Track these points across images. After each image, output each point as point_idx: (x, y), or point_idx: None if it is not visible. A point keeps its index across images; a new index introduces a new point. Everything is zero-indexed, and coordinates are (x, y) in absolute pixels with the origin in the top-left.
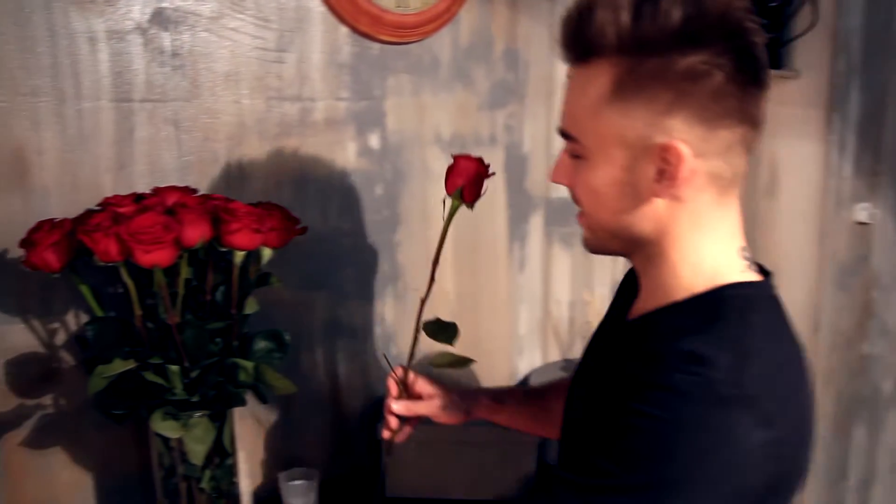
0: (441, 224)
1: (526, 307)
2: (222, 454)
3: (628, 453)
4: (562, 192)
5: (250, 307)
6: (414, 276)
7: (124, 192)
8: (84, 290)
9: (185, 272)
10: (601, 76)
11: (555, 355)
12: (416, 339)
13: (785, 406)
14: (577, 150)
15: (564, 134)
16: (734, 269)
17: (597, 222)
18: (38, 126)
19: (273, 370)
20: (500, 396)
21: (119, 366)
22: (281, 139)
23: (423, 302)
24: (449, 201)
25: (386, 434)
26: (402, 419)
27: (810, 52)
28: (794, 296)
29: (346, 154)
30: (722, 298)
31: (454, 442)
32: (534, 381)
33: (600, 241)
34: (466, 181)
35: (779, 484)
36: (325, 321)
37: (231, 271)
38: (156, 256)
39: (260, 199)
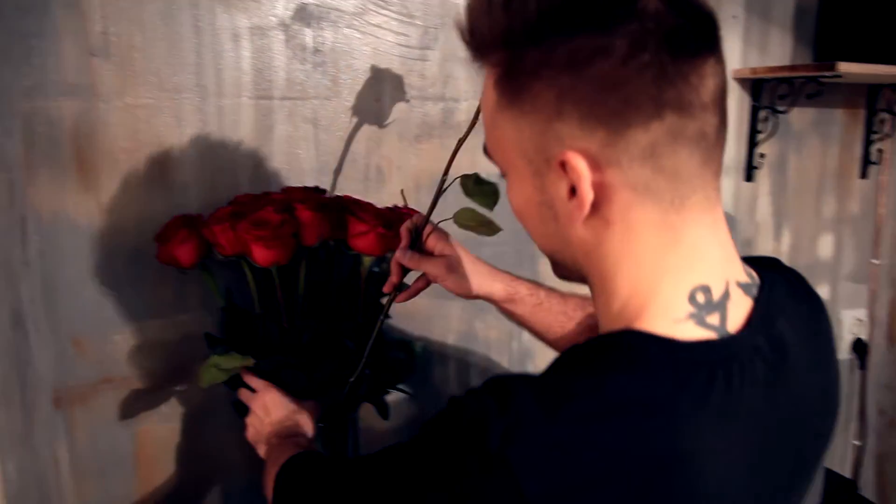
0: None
1: None
2: None
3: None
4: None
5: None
6: (554, 286)
7: (260, 189)
8: (212, 287)
9: (304, 272)
10: (489, 80)
11: None
12: (442, 184)
13: (580, 496)
14: (496, 165)
15: (485, 149)
16: (666, 312)
17: (537, 244)
18: (180, 122)
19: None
20: (517, 287)
21: (235, 360)
22: (422, 141)
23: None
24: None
25: (387, 287)
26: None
27: None
28: None
29: None
30: (608, 345)
31: None
32: None
33: (552, 264)
34: None
35: None
36: (459, 333)
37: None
38: (272, 254)
39: (397, 203)
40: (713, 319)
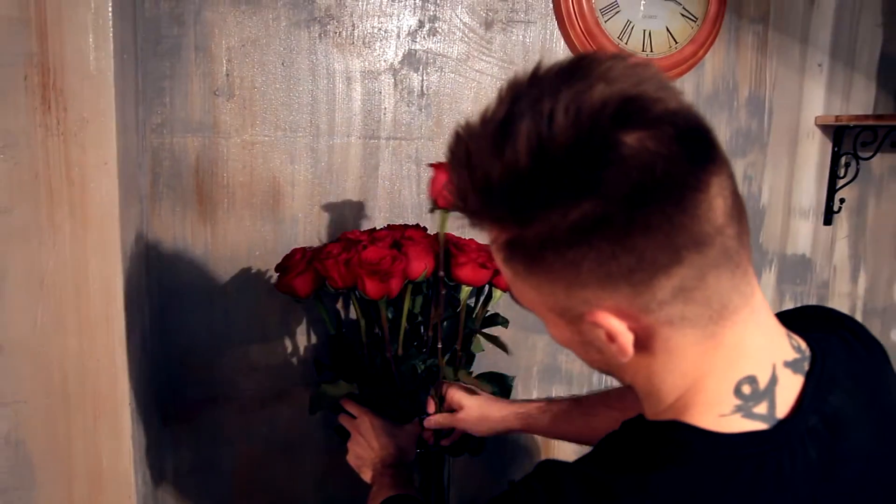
0: None
1: None
2: (439, 491)
3: None
4: (798, 248)
5: (476, 347)
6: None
7: (365, 224)
8: (325, 316)
9: (408, 305)
10: (496, 252)
11: None
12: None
13: None
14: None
15: (514, 298)
16: (711, 407)
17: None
18: (293, 159)
19: None
20: (529, 410)
21: (344, 388)
22: None
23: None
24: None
25: (428, 437)
26: (440, 432)
27: None
28: None
29: None
30: (654, 438)
31: None
32: None
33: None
34: (437, 188)
35: None
36: (543, 365)
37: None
38: (384, 287)
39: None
40: (761, 409)
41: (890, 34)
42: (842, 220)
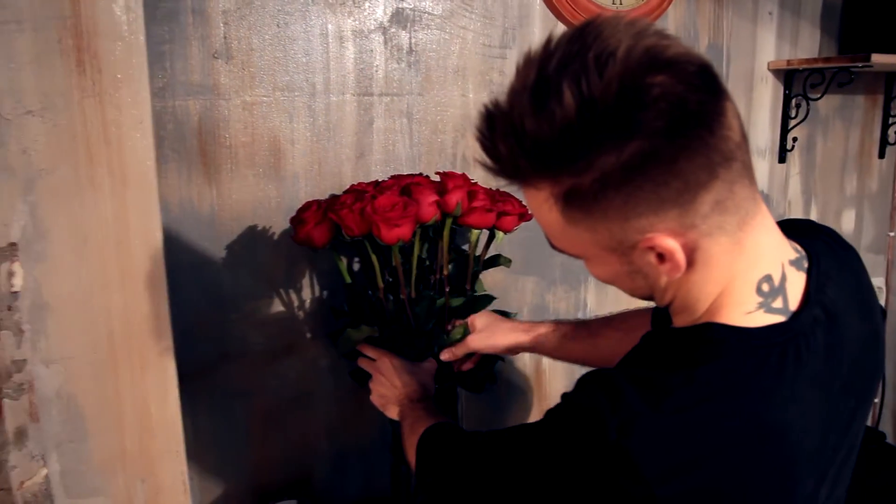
0: None
1: None
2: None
3: (518, 450)
4: (757, 185)
5: (479, 288)
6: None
7: (362, 178)
8: (340, 264)
9: (418, 250)
10: (545, 202)
11: None
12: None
13: (690, 472)
14: (575, 255)
15: (553, 246)
16: (739, 307)
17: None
18: (291, 118)
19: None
20: (538, 329)
21: (366, 331)
22: None
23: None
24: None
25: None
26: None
27: None
28: None
29: None
30: (693, 339)
31: None
32: None
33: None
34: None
35: None
36: (533, 305)
37: (459, 252)
38: (398, 232)
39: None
40: (777, 304)
41: None
42: (794, 158)
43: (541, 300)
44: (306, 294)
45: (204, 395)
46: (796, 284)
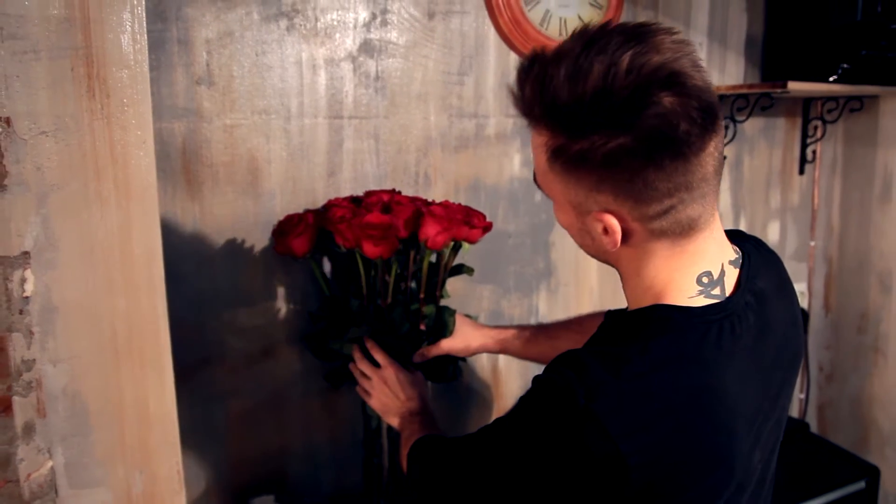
0: None
1: None
2: None
3: (491, 433)
4: None
5: (445, 294)
6: (565, 272)
7: (334, 194)
8: (317, 272)
9: (395, 264)
10: (541, 145)
11: None
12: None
13: (648, 429)
14: (547, 195)
15: (535, 178)
16: (681, 293)
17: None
18: (268, 139)
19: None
20: (504, 334)
21: (354, 333)
22: (459, 151)
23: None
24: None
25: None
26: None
27: None
28: None
29: (512, 164)
30: (643, 317)
31: None
32: None
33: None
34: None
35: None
36: (489, 311)
37: (423, 263)
38: (380, 249)
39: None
40: (716, 291)
41: (752, 18)
42: (724, 175)
43: (497, 306)
44: (281, 302)
45: (184, 397)
46: (732, 278)
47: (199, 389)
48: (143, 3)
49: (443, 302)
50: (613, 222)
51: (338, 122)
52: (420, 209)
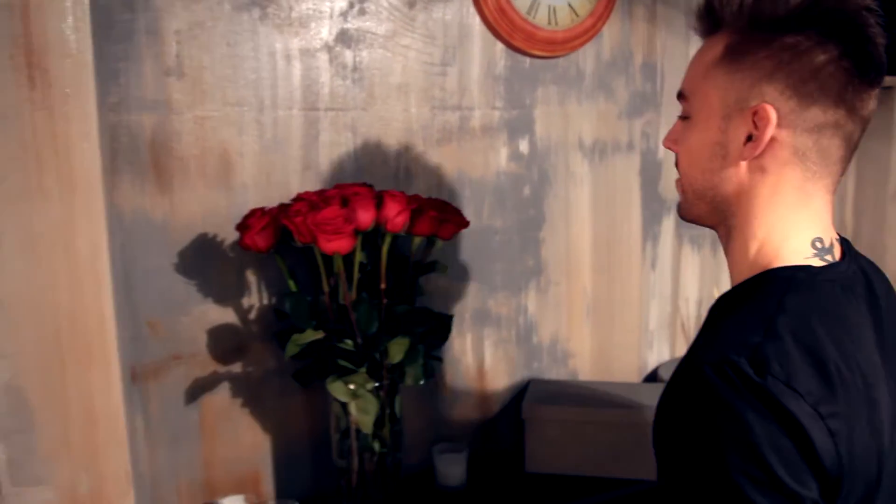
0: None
1: (656, 303)
2: (393, 421)
3: (685, 447)
4: None
5: (420, 292)
6: (555, 270)
7: (309, 188)
8: (283, 268)
9: (359, 256)
10: (719, 44)
11: (682, 350)
12: None
13: (818, 383)
14: (685, 110)
15: (680, 94)
16: (797, 254)
17: (689, 182)
18: (241, 132)
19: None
20: None
21: (310, 335)
22: (442, 144)
23: None
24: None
25: None
26: None
27: None
28: None
29: (498, 158)
30: (762, 281)
31: (590, 422)
32: (662, 374)
33: (689, 204)
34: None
35: (839, 471)
36: (475, 310)
37: (402, 260)
38: (336, 244)
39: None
40: (828, 257)
41: None
42: None
43: (483, 305)
44: (254, 298)
45: (157, 393)
46: (838, 252)
47: (172, 386)
48: None
49: (418, 302)
50: (771, 113)
51: (313, 115)
52: (380, 194)
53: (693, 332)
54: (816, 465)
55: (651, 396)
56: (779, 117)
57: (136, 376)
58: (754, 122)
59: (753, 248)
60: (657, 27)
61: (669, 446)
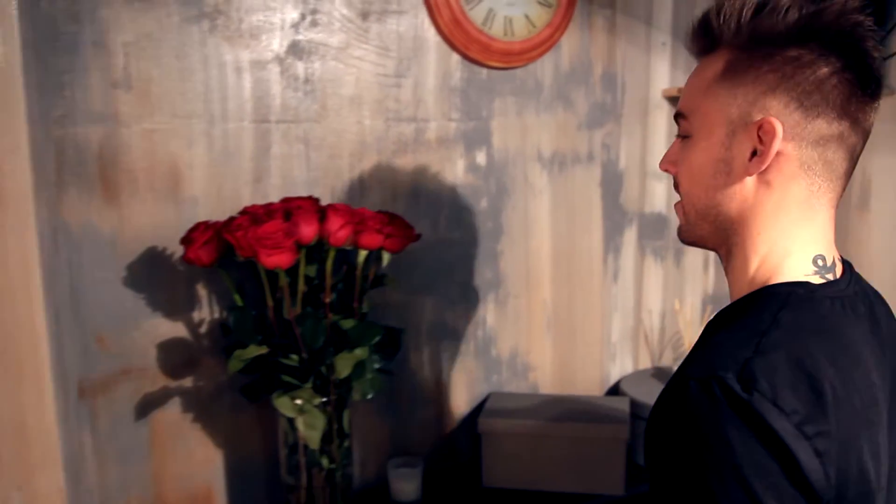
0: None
1: (619, 316)
2: (342, 436)
3: (669, 463)
4: (655, 207)
5: (367, 306)
6: (514, 283)
7: (261, 201)
8: (228, 283)
9: (303, 270)
10: (718, 60)
11: (645, 363)
12: None
13: (807, 402)
14: (685, 129)
15: (679, 114)
16: (797, 270)
17: (690, 203)
18: (190, 144)
19: (372, 369)
20: None
21: (253, 350)
22: (398, 156)
23: None
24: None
25: None
26: None
27: None
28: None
29: (455, 170)
30: (760, 296)
31: (548, 436)
32: (624, 387)
33: (691, 226)
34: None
35: (830, 493)
36: (432, 323)
37: (350, 273)
38: (276, 259)
39: (378, 210)
40: (829, 275)
41: None
42: None
43: (440, 318)
44: (205, 312)
45: (106, 409)
46: (839, 270)
47: (121, 401)
48: (14, 1)
49: (373, 315)
50: (777, 126)
51: (264, 127)
52: (323, 208)
53: (657, 345)
54: (804, 486)
55: (612, 410)
56: (784, 130)
57: (84, 391)
58: (759, 137)
59: (754, 264)
60: (617, 37)
61: (655, 462)
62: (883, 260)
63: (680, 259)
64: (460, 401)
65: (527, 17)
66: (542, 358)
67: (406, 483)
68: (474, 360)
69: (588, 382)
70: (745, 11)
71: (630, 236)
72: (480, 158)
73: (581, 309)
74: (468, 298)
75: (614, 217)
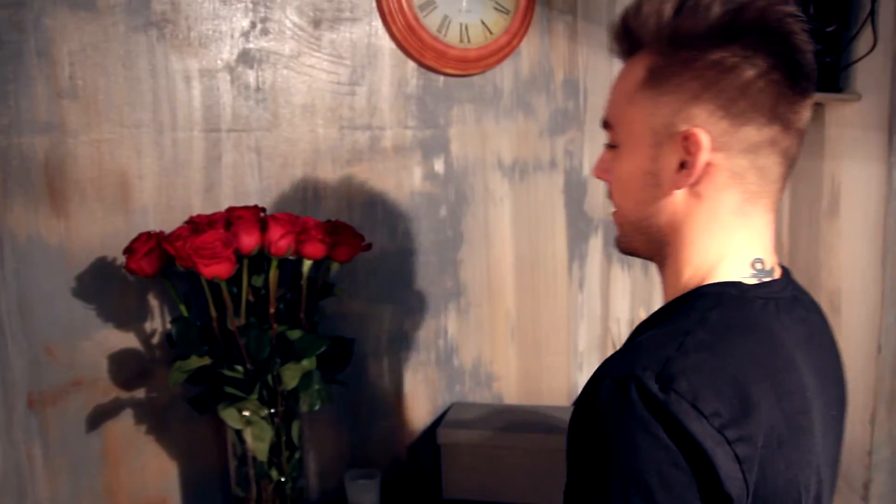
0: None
1: (585, 324)
2: (291, 448)
3: (578, 461)
4: None
5: (318, 316)
6: (476, 292)
7: (212, 210)
8: (173, 293)
9: (246, 280)
10: (640, 65)
11: None
12: None
13: (730, 404)
14: (613, 139)
15: (605, 123)
16: (733, 272)
17: (623, 214)
18: (139, 154)
19: (319, 380)
20: None
21: (195, 362)
22: (353, 165)
23: None
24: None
25: None
26: None
27: (871, 74)
28: (856, 317)
29: (412, 178)
30: (691, 296)
31: (509, 447)
32: None
33: (626, 237)
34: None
35: (749, 500)
36: (391, 333)
37: (295, 283)
38: (214, 269)
39: (335, 219)
40: (766, 279)
41: None
42: None
43: (399, 327)
44: (157, 322)
45: (56, 422)
46: (777, 275)
47: (72, 413)
48: None
49: (328, 326)
50: (703, 139)
51: (215, 136)
52: (264, 218)
53: None
54: (718, 493)
55: None
56: (711, 141)
57: (34, 403)
58: (686, 149)
59: (688, 272)
60: (578, 43)
61: (567, 460)
62: (853, 266)
63: (647, 266)
64: (422, 411)
65: (483, 23)
66: (506, 367)
67: (364, 495)
68: (436, 370)
69: (555, 392)
70: (664, 10)
71: (595, 244)
72: (438, 166)
73: (546, 318)
74: (428, 308)
75: (579, 225)
